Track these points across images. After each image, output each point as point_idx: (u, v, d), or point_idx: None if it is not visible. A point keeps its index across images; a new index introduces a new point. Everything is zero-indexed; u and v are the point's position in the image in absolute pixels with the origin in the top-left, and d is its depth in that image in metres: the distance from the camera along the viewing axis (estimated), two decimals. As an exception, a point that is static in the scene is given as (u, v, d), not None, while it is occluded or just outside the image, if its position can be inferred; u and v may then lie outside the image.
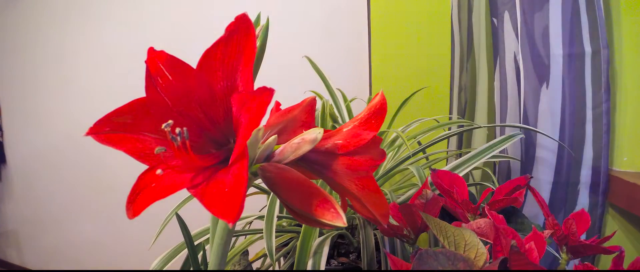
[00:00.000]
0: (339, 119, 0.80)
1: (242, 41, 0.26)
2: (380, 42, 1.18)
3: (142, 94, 0.28)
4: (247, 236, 0.71)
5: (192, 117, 0.28)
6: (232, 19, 0.26)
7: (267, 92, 0.24)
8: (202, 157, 0.26)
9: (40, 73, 1.30)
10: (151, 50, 0.27)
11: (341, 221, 0.25)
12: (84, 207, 1.37)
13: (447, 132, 0.86)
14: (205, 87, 0.27)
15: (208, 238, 0.62)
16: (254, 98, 0.24)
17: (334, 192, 0.63)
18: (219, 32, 0.26)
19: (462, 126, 0.83)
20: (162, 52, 0.27)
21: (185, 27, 1.21)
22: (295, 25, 1.15)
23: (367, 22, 1.18)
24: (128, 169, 1.16)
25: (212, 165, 0.26)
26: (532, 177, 0.67)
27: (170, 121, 0.25)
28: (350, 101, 0.86)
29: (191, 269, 0.45)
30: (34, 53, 1.29)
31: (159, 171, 0.25)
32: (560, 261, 0.46)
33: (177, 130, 0.25)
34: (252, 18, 0.29)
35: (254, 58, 0.26)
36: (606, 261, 0.75)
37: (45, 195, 1.38)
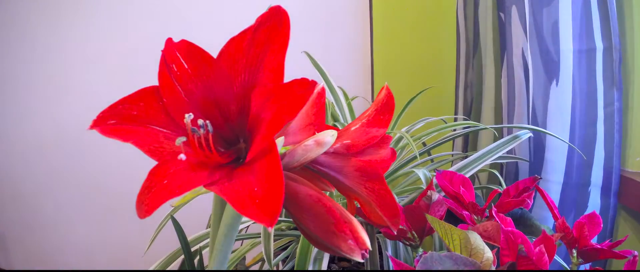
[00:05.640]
0: (340, 118, 0.80)
1: (273, 32, 0.25)
2: (382, 38, 1.18)
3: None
4: (244, 242, 0.72)
5: (206, 111, 0.27)
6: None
7: (308, 85, 0.22)
8: (220, 153, 0.26)
9: (28, 71, 1.30)
10: (170, 41, 0.27)
11: (358, 256, 0.24)
12: (75, 210, 1.37)
13: (453, 133, 0.86)
14: (223, 79, 0.26)
15: (205, 244, 0.62)
16: (288, 90, 0.23)
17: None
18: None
19: (468, 127, 0.84)
20: (182, 41, 0.27)
21: (182, 26, 1.21)
22: (294, 20, 1.15)
23: (369, 17, 1.18)
24: (122, 169, 1.16)
25: (227, 163, 0.25)
26: (541, 178, 0.67)
27: (190, 114, 0.25)
28: (352, 99, 0.86)
29: (191, 269, 0.45)
30: (22, 50, 1.29)
31: (181, 156, 0.24)
32: (570, 266, 0.46)
33: (200, 122, 0.25)
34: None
35: (286, 50, 0.25)
36: (618, 264, 0.76)
37: (34, 197, 1.38)
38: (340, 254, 0.25)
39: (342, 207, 0.26)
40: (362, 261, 0.24)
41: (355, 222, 0.25)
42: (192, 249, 0.60)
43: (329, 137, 0.26)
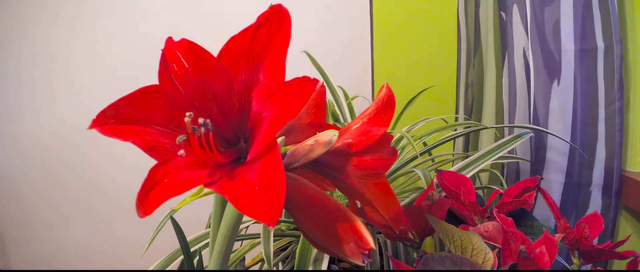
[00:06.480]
0: (341, 118, 0.80)
1: (274, 30, 0.26)
2: (382, 37, 1.18)
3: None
4: (244, 242, 0.72)
5: (206, 110, 0.27)
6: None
7: (309, 83, 0.22)
8: (221, 152, 0.25)
9: (26, 70, 1.30)
10: (170, 40, 0.27)
11: (360, 259, 0.23)
12: (74, 210, 1.37)
13: (454, 133, 0.87)
14: (224, 78, 0.26)
15: (204, 245, 0.62)
16: (289, 88, 0.23)
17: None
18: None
19: (469, 127, 0.84)
20: (183, 40, 0.27)
21: (183, 25, 1.21)
22: (294, 20, 1.15)
23: (369, 16, 1.18)
24: (121, 169, 1.15)
25: (227, 163, 0.25)
26: (542, 178, 0.67)
27: (191, 113, 0.25)
28: (352, 99, 0.86)
29: (190, 269, 0.45)
30: (20, 49, 1.29)
31: (181, 152, 0.24)
32: (572, 266, 0.46)
33: (200, 121, 0.24)
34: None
35: (287, 49, 0.25)
36: (620, 264, 0.76)
37: (32, 197, 1.38)
38: (342, 257, 0.24)
39: (345, 207, 0.26)
40: (363, 264, 0.24)
41: (359, 222, 0.25)
42: (192, 250, 0.60)
43: (330, 136, 0.26)
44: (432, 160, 0.84)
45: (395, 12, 1.17)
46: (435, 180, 0.54)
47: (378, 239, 0.64)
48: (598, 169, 0.76)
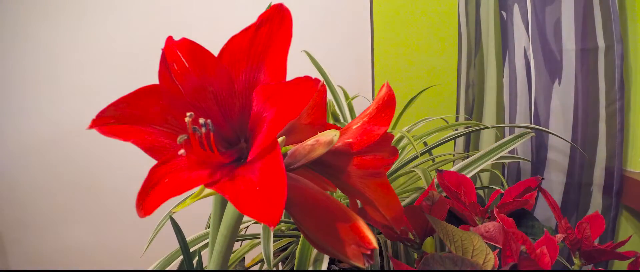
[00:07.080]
0: (341, 118, 0.80)
1: (274, 30, 0.26)
2: (383, 37, 1.18)
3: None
4: (244, 242, 0.72)
5: (206, 110, 0.26)
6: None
7: (311, 83, 0.22)
8: (221, 153, 0.25)
9: (27, 70, 1.30)
10: (170, 39, 0.27)
11: (361, 261, 0.23)
12: (74, 210, 1.37)
13: (454, 132, 0.87)
14: (225, 78, 0.26)
15: (203, 245, 0.62)
16: (290, 88, 0.23)
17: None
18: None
19: (470, 127, 0.84)
20: (183, 39, 0.27)
21: (183, 24, 1.21)
22: (294, 19, 1.15)
23: (369, 16, 1.18)
24: (121, 169, 1.15)
25: (228, 163, 0.25)
26: (543, 178, 0.67)
27: (191, 113, 0.25)
28: (352, 99, 0.86)
29: (190, 270, 0.45)
30: (21, 50, 1.29)
31: (181, 151, 0.24)
32: (573, 266, 0.46)
33: (201, 121, 0.24)
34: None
35: (288, 48, 0.25)
36: (620, 264, 0.76)
37: (32, 197, 1.38)
38: (343, 259, 0.24)
39: (346, 207, 0.26)
40: (364, 267, 0.23)
41: (360, 221, 0.25)
42: (191, 250, 0.60)
43: (331, 136, 0.26)
44: (433, 160, 0.84)
45: (396, 11, 1.17)
46: (435, 180, 0.54)
47: (378, 240, 0.64)
48: (599, 168, 0.76)
